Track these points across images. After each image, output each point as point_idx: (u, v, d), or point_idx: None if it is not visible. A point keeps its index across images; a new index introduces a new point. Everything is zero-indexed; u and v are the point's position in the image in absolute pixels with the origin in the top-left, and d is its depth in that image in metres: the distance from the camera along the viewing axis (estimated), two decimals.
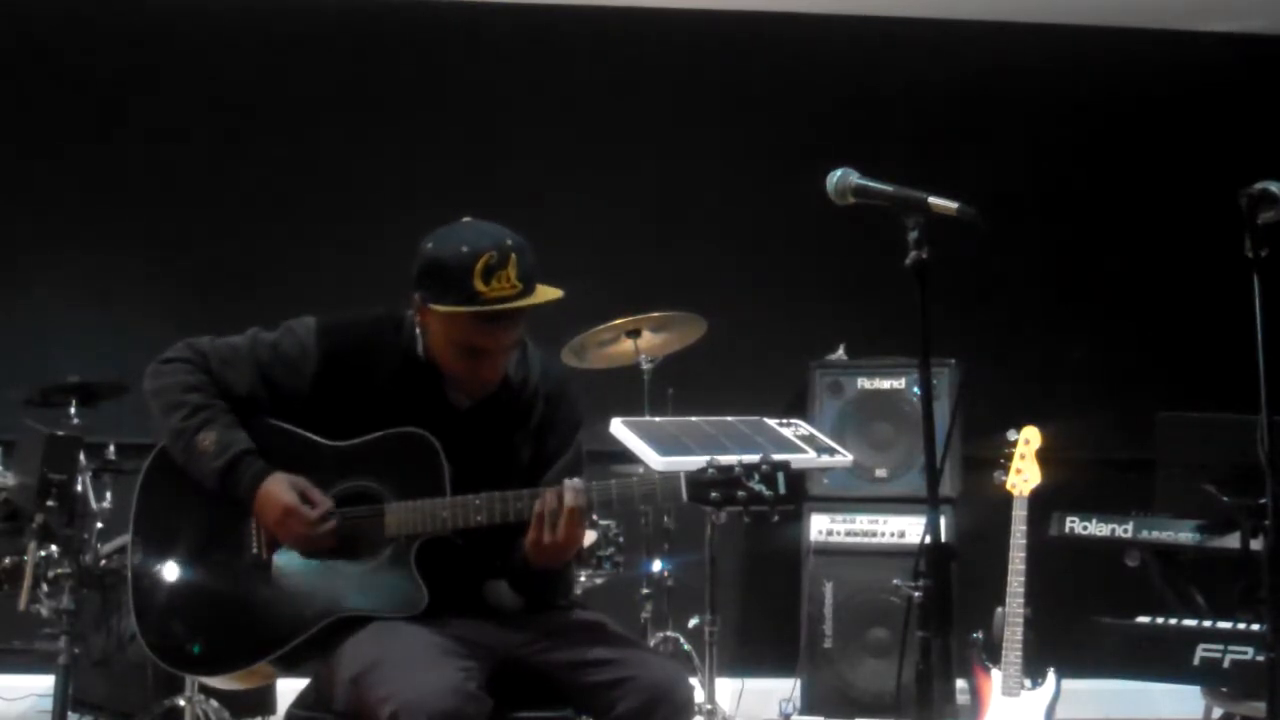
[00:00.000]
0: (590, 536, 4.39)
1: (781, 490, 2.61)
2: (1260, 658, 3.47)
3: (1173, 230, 5.74)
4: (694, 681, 3.05)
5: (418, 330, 2.78)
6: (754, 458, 2.62)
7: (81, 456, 4.35)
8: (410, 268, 2.73)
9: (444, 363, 2.75)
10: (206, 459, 2.72)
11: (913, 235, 2.47)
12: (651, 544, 4.78)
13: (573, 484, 2.64)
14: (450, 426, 2.74)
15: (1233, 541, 3.88)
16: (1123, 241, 5.83)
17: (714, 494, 2.61)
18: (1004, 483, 4.29)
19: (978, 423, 4.69)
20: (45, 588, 4.19)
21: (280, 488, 2.70)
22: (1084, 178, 5.88)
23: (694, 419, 3.26)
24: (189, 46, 5.70)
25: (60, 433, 4.28)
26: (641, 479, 2.68)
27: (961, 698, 4.18)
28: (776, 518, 2.63)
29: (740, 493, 2.61)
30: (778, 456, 2.64)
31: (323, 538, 2.71)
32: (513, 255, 2.63)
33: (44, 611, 4.23)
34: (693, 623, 4.70)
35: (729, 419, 3.21)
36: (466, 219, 2.75)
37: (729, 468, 2.62)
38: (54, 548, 4.21)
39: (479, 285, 2.61)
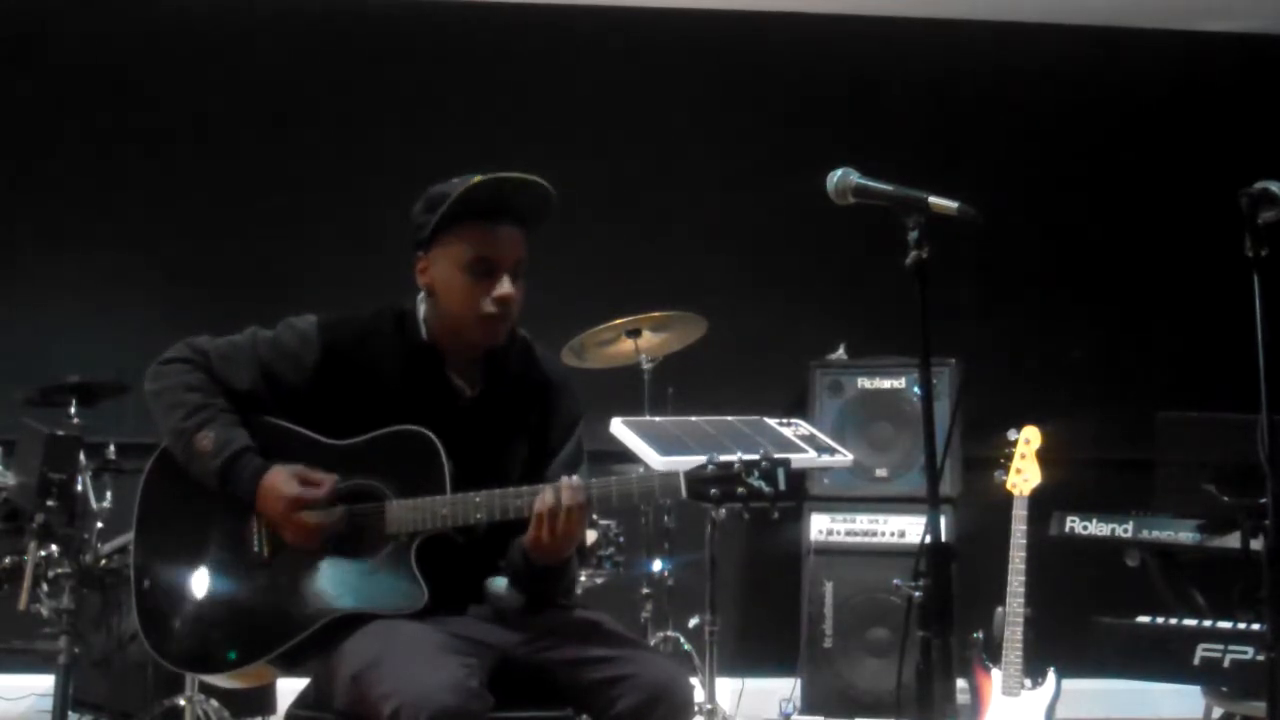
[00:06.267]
0: (591, 536, 4.38)
1: (781, 486, 2.59)
2: (1260, 658, 3.47)
3: (1173, 230, 5.74)
4: (694, 681, 3.05)
5: (420, 316, 2.79)
6: (754, 455, 2.61)
7: (81, 456, 4.34)
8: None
9: (452, 310, 2.75)
10: (206, 458, 2.71)
11: (913, 235, 2.46)
12: (651, 544, 4.77)
13: (572, 481, 2.64)
14: (452, 416, 2.75)
15: (1233, 541, 3.88)
16: (1123, 241, 5.83)
17: (713, 490, 2.60)
18: (1004, 483, 4.29)
19: (978, 423, 4.69)
20: (45, 587, 4.19)
21: (281, 479, 2.70)
22: (1084, 177, 5.88)
23: (694, 419, 3.25)
24: (190, 47, 5.70)
25: (60, 433, 4.27)
26: (641, 477, 2.68)
27: (962, 697, 4.18)
28: (777, 515, 2.61)
29: (740, 489, 2.59)
30: (778, 454, 2.63)
31: (334, 523, 2.69)
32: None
33: (44, 611, 4.22)
34: (693, 623, 4.70)
35: (729, 419, 3.20)
36: None
37: (728, 464, 2.60)
38: (54, 548, 4.20)
39: (475, 180, 2.73)
